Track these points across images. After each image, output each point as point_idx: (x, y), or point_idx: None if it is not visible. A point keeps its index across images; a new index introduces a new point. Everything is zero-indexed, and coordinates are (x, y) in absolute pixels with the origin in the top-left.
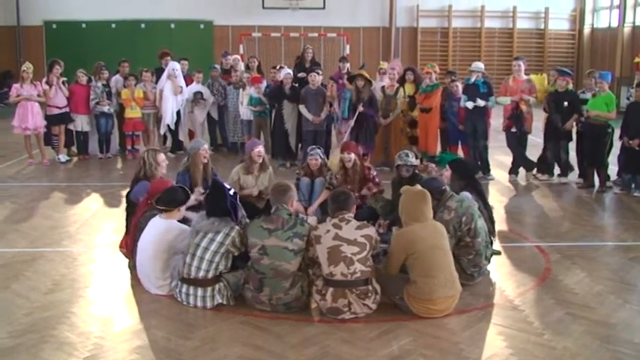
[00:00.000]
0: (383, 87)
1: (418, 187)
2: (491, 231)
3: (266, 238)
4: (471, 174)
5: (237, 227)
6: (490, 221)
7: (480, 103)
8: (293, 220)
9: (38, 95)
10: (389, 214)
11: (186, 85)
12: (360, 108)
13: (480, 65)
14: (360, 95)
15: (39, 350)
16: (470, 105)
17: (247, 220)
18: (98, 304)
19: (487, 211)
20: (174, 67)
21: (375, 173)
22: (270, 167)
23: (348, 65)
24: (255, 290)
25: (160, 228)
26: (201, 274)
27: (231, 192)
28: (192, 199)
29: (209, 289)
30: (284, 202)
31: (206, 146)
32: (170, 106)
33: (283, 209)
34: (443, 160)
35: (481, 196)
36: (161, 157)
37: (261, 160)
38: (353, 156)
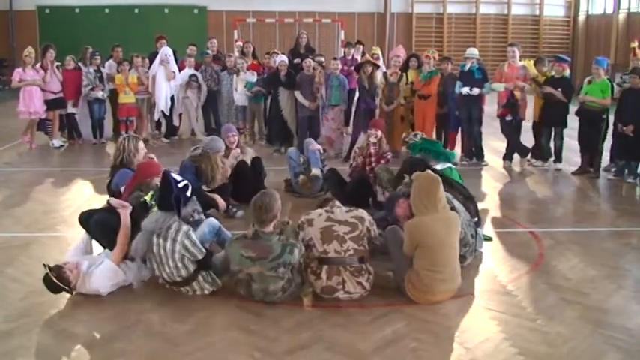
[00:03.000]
0: (385, 74)
1: (429, 172)
2: (473, 213)
3: (250, 266)
4: (422, 167)
5: (184, 228)
6: (472, 204)
7: (475, 91)
8: (280, 248)
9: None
10: (393, 188)
11: (180, 70)
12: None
13: (474, 52)
14: (372, 81)
15: (34, 334)
16: (465, 91)
17: (200, 217)
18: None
19: (463, 195)
20: (167, 52)
21: (389, 156)
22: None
23: (353, 51)
24: (247, 294)
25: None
26: (176, 277)
27: (181, 185)
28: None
29: (193, 283)
30: (265, 224)
31: (222, 150)
32: (164, 92)
33: (265, 235)
34: (415, 147)
35: (449, 183)
36: (141, 144)
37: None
38: (380, 133)
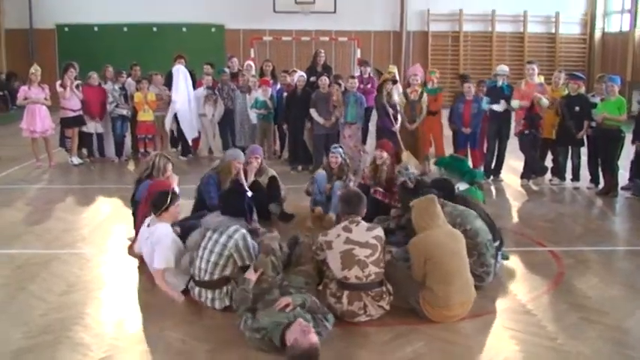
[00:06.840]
0: (405, 92)
1: (423, 197)
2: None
3: None
4: (450, 194)
5: (243, 231)
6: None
7: (499, 107)
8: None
9: (45, 99)
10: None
11: (195, 88)
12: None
13: (504, 69)
14: (391, 98)
15: (54, 351)
16: (493, 107)
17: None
18: (112, 306)
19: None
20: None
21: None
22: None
23: (369, 69)
24: None
25: (151, 235)
26: (207, 276)
27: (249, 194)
28: None
29: (217, 291)
30: None
31: (242, 159)
32: (188, 118)
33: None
34: (440, 163)
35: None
36: (170, 166)
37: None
38: (385, 155)
